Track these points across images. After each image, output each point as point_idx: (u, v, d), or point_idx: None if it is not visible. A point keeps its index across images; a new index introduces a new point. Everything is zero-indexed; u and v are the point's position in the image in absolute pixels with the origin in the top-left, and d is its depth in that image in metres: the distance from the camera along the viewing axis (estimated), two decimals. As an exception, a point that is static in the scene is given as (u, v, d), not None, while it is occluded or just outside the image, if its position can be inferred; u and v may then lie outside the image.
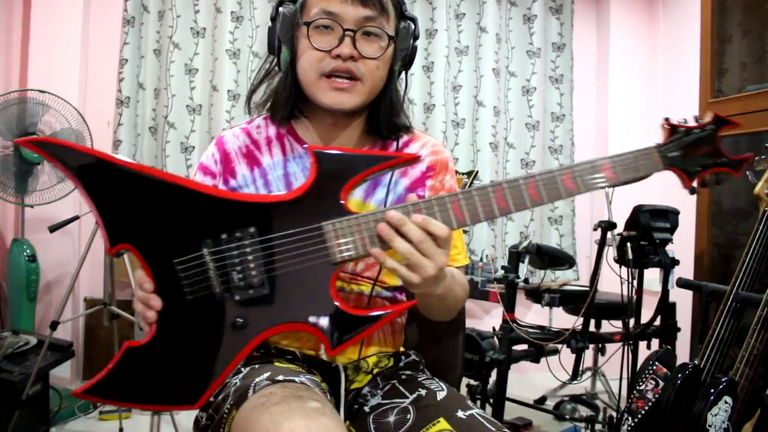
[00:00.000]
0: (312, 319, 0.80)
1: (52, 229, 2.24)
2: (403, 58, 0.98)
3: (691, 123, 0.85)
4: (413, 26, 0.97)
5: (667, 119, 0.85)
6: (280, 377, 0.85)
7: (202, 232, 0.80)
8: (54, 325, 2.12)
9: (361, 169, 0.81)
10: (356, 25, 0.91)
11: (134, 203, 0.80)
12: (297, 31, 0.94)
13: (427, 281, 0.79)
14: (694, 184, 0.85)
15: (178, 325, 0.80)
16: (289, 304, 0.80)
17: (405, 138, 1.05)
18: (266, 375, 0.86)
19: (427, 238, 0.76)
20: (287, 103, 0.98)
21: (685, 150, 0.83)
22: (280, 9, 0.95)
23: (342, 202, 0.80)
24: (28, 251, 2.47)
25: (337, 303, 0.80)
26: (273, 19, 0.96)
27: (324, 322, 0.80)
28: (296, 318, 0.80)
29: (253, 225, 0.80)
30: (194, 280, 0.79)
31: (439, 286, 0.82)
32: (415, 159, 0.86)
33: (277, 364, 0.96)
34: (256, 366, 0.93)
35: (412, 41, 0.97)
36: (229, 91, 2.90)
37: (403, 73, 1.01)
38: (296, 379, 0.86)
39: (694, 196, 2.35)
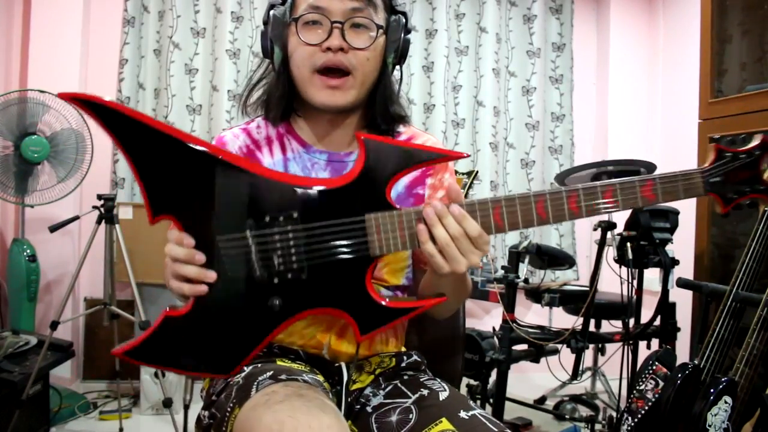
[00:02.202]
0: (345, 306, 0.82)
1: (53, 229, 2.24)
2: (396, 51, 0.98)
3: (739, 146, 0.83)
4: (404, 19, 0.98)
5: (715, 141, 0.84)
6: (283, 376, 0.85)
7: (246, 212, 0.80)
8: (54, 325, 2.12)
9: (409, 164, 0.82)
10: (344, 17, 0.92)
11: (180, 174, 0.80)
12: (287, 30, 0.95)
13: (456, 276, 0.81)
14: (729, 209, 0.84)
15: (216, 300, 0.81)
16: (325, 291, 0.82)
17: (404, 136, 1.06)
18: (269, 374, 0.87)
19: (465, 236, 0.78)
20: (281, 102, 0.99)
21: (728, 176, 0.82)
22: (271, 12, 0.95)
23: (387, 195, 0.81)
24: (28, 251, 2.47)
25: (372, 294, 0.82)
26: (265, 23, 0.97)
27: (357, 309, 0.82)
28: (331, 304, 0.82)
29: (296, 210, 0.80)
30: (236, 259, 0.80)
31: (464, 284, 0.87)
32: (462, 156, 0.86)
33: (279, 362, 0.96)
34: (259, 365, 0.93)
35: (403, 34, 0.98)
36: (229, 91, 2.90)
37: (398, 67, 1.01)
38: (299, 377, 0.86)
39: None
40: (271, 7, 0.96)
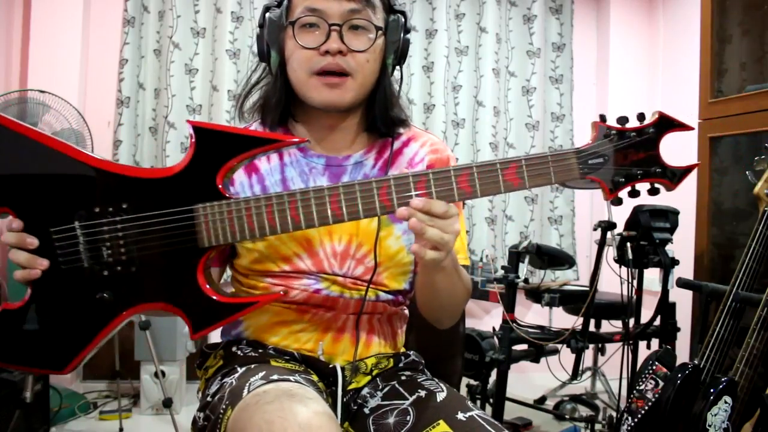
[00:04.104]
0: (177, 301, 0.81)
1: (53, 229, 2.24)
2: (395, 52, 0.96)
3: (632, 123, 0.74)
4: (403, 19, 0.96)
5: (601, 117, 0.74)
6: (275, 377, 0.85)
7: (76, 203, 0.80)
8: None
9: (239, 151, 0.81)
10: (342, 19, 0.90)
11: (13, 166, 0.80)
12: (284, 34, 0.94)
13: (446, 255, 0.80)
14: (622, 194, 0.76)
15: (50, 292, 0.81)
16: (156, 285, 0.82)
17: (404, 137, 1.04)
18: (261, 374, 0.86)
19: (436, 218, 0.77)
20: (277, 106, 0.98)
21: (614, 156, 0.74)
22: (267, 15, 0.94)
23: (217, 185, 0.80)
24: (28, 251, 2.46)
25: (203, 288, 0.81)
26: (261, 26, 0.96)
27: (188, 305, 0.81)
28: (162, 298, 0.82)
29: (126, 201, 0.80)
30: (67, 251, 0.80)
31: (460, 279, 0.88)
32: (298, 142, 0.85)
33: (273, 363, 0.95)
34: (252, 366, 0.93)
35: (402, 34, 0.96)
36: (229, 91, 2.90)
37: (398, 68, 1.00)
38: (291, 378, 0.86)
39: (694, 197, 2.36)
40: (267, 9, 0.95)
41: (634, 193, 0.78)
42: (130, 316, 0.82)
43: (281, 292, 0.91)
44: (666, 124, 0.74)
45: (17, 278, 0.81)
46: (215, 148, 0.80)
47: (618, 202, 0.77)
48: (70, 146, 0.82)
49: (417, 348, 1.14)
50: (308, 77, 0.92)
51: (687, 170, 0.76)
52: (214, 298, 0.81)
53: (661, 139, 0.74)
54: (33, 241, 0.80)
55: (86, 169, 0.80)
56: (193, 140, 0.80)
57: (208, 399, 0.91)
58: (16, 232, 0.81)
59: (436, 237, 0.77)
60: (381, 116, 0.99)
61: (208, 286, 0.81)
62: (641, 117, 0.75)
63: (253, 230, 0.80)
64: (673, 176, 0.76)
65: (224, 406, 0.83)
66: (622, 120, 0.75)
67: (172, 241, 0.80)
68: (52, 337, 0.82)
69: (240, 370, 0.92)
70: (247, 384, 0.84)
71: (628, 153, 0.74)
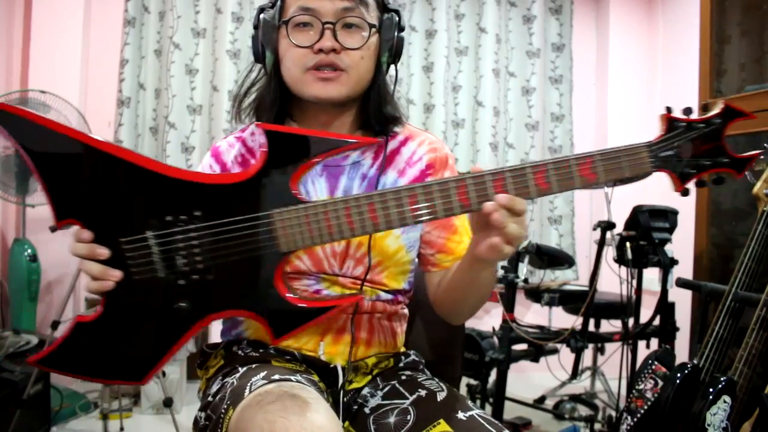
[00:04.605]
0: (256, 307, 0.80)
1: (54, 229, 2.23)
2: (390, 50, 0.96)
3: (696, 115, 0.74)
4: (397, 18, 0.96)
5: (668, 110, 0.75)
6: (276, 376, 0.85)
7: (147, 213, 0.79)
8: (55, 325, 2.13)
9: (314, 154, 0.79)
10: (335, 18, 0.90)
11: (81, 176, 0.78)
12: (278, 33, 0.94)
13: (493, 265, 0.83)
14: (689, 185, 0.77)
15: (125, 303, 0.80)
16: (234, 292, 0.80)
17: (401, 136, 1.04)
18: (262, 374, 0.86)
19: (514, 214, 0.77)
20: (273, 106, 0.98)
21: (682, 148, 0.74)
22: (261, 16, 0.94)
23: (292, 189, 0.79)
24: (29, 251, 2.47)
25: (281, 293, 0.80)
26: (256, 27, 0.96)
27: (267, 311, 0.80)
28: (240, 305, 0.81)
29: (199, 209, 0.78)
30: (139, 261, 0.79)
31: (495, 276, 0.88)
32: (374, 142, 0.85)
33: (275, 363, 0.96)
34: (254, 366, 0.93)
35: (397, 32, 0.96)
36: (229, 91, 2.90)
37: (393, 66, 1.00)
38: (292, 378, 0.86)
39: (693, 196, 2.36)
40: (261, 11, 0.95)
41: (700, 184, 0.78)
42: (207, 324, 0.81)
43: (359, 296, 0.89)
44: (731, 114, 0.74)
45: (90, 290, 0.80)
46: (288, 152, 0.79)
47: (686, 193, 0.77)
48: (138, 155, 0.80)
49: (417, 347, 1.15)
50: (302, 74, 0.92)
51: (750, 159, 0.76)
52: (293, 302, 0.80)
53: (726, 130, 0.74)
54: (104, 252, 0.78)
55: (156, 178, 0.79)
56: (266, 145, 0.79)
57: (209, 399, 0.91)
58: (87, 243, 0.79)
59: (515, 232, 0.77)
60: (375, 114, 0.99)
61: (286, 292, 0.81)
62: (705, 108, 0.75)
63: (332, 234, 0.79)
64: (739, 165, 0.76)
65: (226, 406, 0.84)
66: (687, 111, 0.75)
67: (250, 248, 0.78)
68: (129, 349, 0.81)
69: (241, 370, 0.92)
70: (249, 384, 0.84)
71: (696, 144, 0.74)
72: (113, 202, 0.79)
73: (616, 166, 0.75)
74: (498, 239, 0.77)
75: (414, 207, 0.78)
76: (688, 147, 0.74)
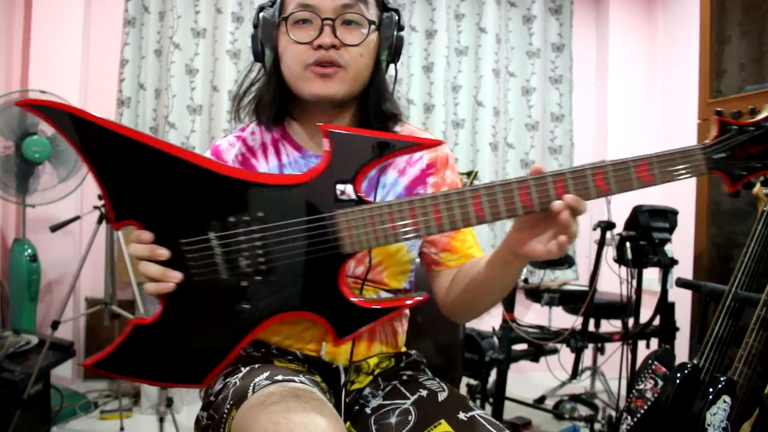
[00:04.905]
0: (319, 308, 0.80)
1: (54, 228, 2.25)
2: (389, 48, 0.96)
3: (745, 118, 0.75)
4: (397, 17, 0.97)
5: (719, 113, 0.76)
6: (280, 377, 0.85)
7: (209, 214, 0.78)
8: (55, 325, 2.13)
9: (378, 155, 0.79)
10: (334, 14, 0.90)
11: (139, 177, 0.78)
12: (277, 31, 0.94)
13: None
14: (739, 187, 0.77)
15: (184, 305, 0.79)
16: (296, 293, 0.80)
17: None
18: (266, 375, 0.86)
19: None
20: (272, 104, 0.98)
21: (734, 151, 0.75)
22: (261, 14, 0.94)
23: (357, 190, 0.79)
24: (29, 251, 2.47)
25: (345, 294, 0.80)
26: (255, 26, 0.96)
27: (330, 311, 0.80)
28: (303, 306, 0.80)
29: (262, 209, 0.78)
30: (201, 263, 0.78)
31: None
32: (439, 143, 0.84)
33: (277, 363, 0.96)
34: (256, 366, 0.93)
35: (396, 31, 0.96)
36: (229, 91, 2.90)
37: (392, 65, 1.00)
38: (295, 378, 0.86)
39: (693, 196, 2.36)
40: (261, 9, 0.95)
41: (748, 186, 0.81)
42: (269, 326, 0.80)
43: (425, 295, 0.89)
44: None
45: (149, 292, 0.79)
46: (352, 153, 0.78)
47: (737, 194, 0.78)
48: (200, 156, 0.80)
49: (417, 347, 1.15)
50: (302, 70, 0.92)
51: None
52: (358, 303, 0.80)
53: None
54: (164, 253, 0.78)
55: (218, 179, 0.78)
56: (329, 145, 0.79)
57: (212, 398, 0.92)
58: (147, 244, 0.78)
59: (576, 232, 0.77)
60: (374, 111, 0.99)
61: (350, 293, 0.80)
62: (753, 112, 0.77)
63: (397, 234, 0.79)
64: None
65: (228, 406, 0.84)
66: (736, 115, 0.77)
67: (314, 249, 0.78)
68: (188, 351, 0.80)
69: (244, 370, 0.92)
70: (252, 384, 0.84)
71: (747, 146, 0.75)
72: (174, 203, 0.78)
73: (672, 168, 0.76)
74: (565, 237, 0.77)
75: (478, 208, 0.78)
76: (740, 149, 0.76)
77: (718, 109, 0.78)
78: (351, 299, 0.80)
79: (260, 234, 0.78)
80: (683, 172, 0.76)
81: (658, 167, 0.76)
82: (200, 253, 0.78)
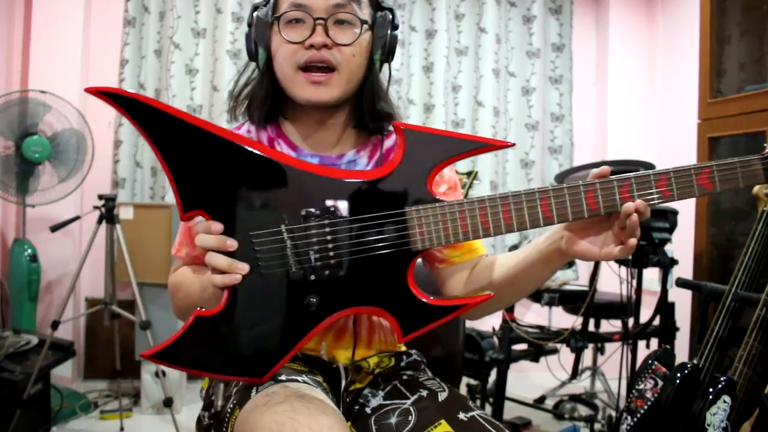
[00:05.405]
0: (387, 304, 0.80)
1: (54, 229, 2.25)
2: (383, 47, 0.96)
3: None
4: (390, 16, 0.96)
5: None
6: (283, 377, 0.85)
7: (281, 207, 0.78)
8: (55, 325, 2.13)
9: (451, 153, 0.80)
10: (327, 13, 0.90)
11: (211, 168, 0.78)
12: (270, 30, 0.94)
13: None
14: None
15: (249, 298, 0.79)
16: (364, 288, 0.80)
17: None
18: None
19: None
20: (264, 103, 0.97)
21: None
22: (255, 13, 0.94)
23: (429, 187, 0.79)
24: (29, 251, 2.47)
25: (413, 290, 0.80)
26: (249, 25, 0.96)
27: (399, 308, 0.80)
28: (371, 302, 0.80)
29: (334, 203, 0.79)
30: (270, 255, 0.78)
31: None
32: (509, 145, 0.85)
33: (279, 363, 0.96)
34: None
35: (390, 30, 0.96)
36: (229, 91, 2.90)
37: (386, 65, 1.00)
38: (299, 378, 0.86)
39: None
40: (255, 8, 0.95)
41: None
42: (334, 321, 0.79)
43: (491, 294, 0.88)
44: None
45: (216, 284, 0.78)
46: (425, 151, 0.79)
47: None
48: (270, 149, 0.80)
49: (417, 347, 1.15)
50: (294, 73, 0.92)
51: None
52: (425, 300, 0.80)
53: None
54: (233, 244, 0.77)
55: (290, 171, 0.79)
56: (402, 142, 0.80)
57: (213, 398, 0.92)
58: (216, 235, 0.78)
59: (639, 236, 0.79)
60: (368, 111, 0.98)
61: (418, 290, 0.80)
62: None
63: (467, 233, 0.79)
64: None
65: (231, 406, 0.84)
66: None
67: (385, 245, 0.79)
68: (252, 344, 0.80)
69: None
70: (255, 384, 0.84)
71: None
72: (244, 194, 0.78)
73: (732, 176, 0.78)
74: (634, 240, 0.79)
75: (546, 209, 0.79)
76: None
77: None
78: (420, 297, 0.80)
79: (331, 228, 0.79)
80: (742, 180, 0.78)
81: (718, 175, 0.78)
82: (270, 245, 0.78)
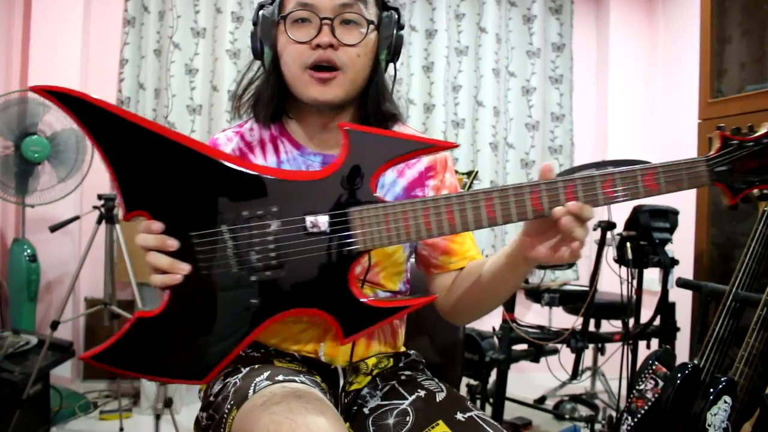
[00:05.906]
0: (328, 305, 0.79)
1: (53, 229, 2.25)
2: (388, 47, 0.96)
3: (745, 134, 0.79)
4: (396, 16, 0.96)
5: (720, 128, 0.80)
6: (280, 377, 0.85)
7: (222, 207, 0.78)
8: (54, 325, 2.13)
9: (395, 154, 0.79)
10: (333, 13, 0.90)
11: (153, 168, 0.77)
12: (276, 29, 0.94)
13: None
14: (739, 200, 0.80)
15: (190, 299, 0.78)
16: (306, 289, 0.79)
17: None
18: (266, 375, 0.86)
19: (582, 221, 0.78)
20: (270, 102, 0.98)
21: (734, 165, 0.78)
22: (260, 12, 0.95)
23: (372, 188, 0.79)
24: (28, 251, 2.47)
25: (355, 292, 0.79)
26: (255, 23, 0.96)
27: (339, 309, 0.79)
28: (312, 303, 0.79)
29: (276, 204, 0.78)
30: (210, 256, 0.78)
31: None
32: (453, 146, 0.84)
33: (277, 364, 0.96)
34: (256, 366, 0.93)
35: (396, 30, 0.96)
36: (229, 91, 2.90)
37: (392, 65, 1.00)
38: (296, 378, 0.86)
39: (694, 196, 2.36)
40: (260, 7, 0.95)
41: (746, 199, 0.82)
42: (275, 322, 0.79)
43: (434, 296, 0.89)
44: None
45: (156, 283, 0.78)
46: (368, 152, 0.79)
47: (736, 207, 0.81)
48: (214, 149, 0.80)
49: (417, 347, 1.14)
50: (301, 72, 0.92)
51: None
52: (366, 302, 0.80)
53: None
54: (173, 243, 0.77)
55: (232, 172, 0.78)
56: (346, 143, 0.79)
57: (211, 398, 0.91)
58: (156, 235, 0.78)
59: (583, 237, 0.78)
60: (373, 111, 0.99)
61: (359, 291, 0.80)
62: (751, 128, 0.80)
63: (409, 234, 0.79)
64: None
65: (229, 406, 0.83)
66: (736, 131, 0.80)
67: (326, 245, 0.78)
68: (193, 346, 0.78)
69: (244, 370, 0.92)
70: (253, 384, 0.84)
71: (746, 161, 0.78)
72: (186, 194, 0.78)
73: (676, 178, 0.78)
74: (578, 243, 0.78)
75: (490, 210, 0.78)
76: (739, 164, 0.79)
77: (720, 124, 0.81)
78: (360, 298, 0.80)
79: (272, 228, 0.78)
80: (687, 182, 0.78)
81: (663, 176, 0.78)
82: (211, 246, 0.78)
